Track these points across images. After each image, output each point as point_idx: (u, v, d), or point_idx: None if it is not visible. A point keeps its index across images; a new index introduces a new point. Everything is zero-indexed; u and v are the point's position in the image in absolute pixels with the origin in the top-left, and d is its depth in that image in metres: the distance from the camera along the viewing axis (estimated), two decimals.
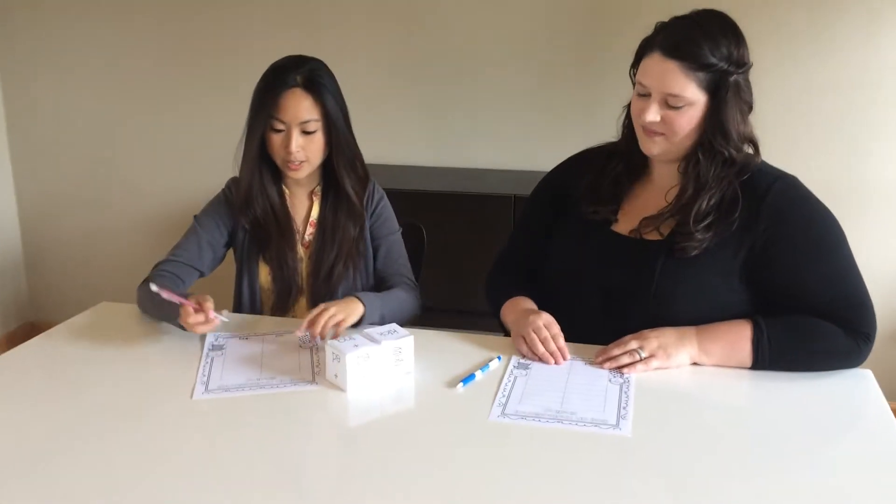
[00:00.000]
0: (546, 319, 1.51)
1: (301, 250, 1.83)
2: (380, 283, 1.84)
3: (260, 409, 1.32)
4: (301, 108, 1.67)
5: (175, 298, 1.50)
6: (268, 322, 1.72)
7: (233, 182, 1.83)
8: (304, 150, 1.70)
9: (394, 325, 1.44)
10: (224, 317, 1.52)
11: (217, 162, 3.05)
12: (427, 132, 2.95)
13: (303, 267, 1.82)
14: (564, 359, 1.47)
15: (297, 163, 1.70)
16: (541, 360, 1.47)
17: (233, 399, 1.34)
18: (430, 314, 1.98)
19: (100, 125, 3.22)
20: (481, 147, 2.91)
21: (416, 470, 1.15)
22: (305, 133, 1.69)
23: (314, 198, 1.83)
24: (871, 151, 2.67)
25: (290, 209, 1.82)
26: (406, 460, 1.17)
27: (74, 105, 3.22)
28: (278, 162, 1.74)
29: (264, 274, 1.82)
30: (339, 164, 1.76)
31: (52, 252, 3.43)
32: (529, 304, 1.62)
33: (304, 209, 1.84)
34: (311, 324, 1.51)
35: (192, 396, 1.35)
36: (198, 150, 3.16)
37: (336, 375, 1.38)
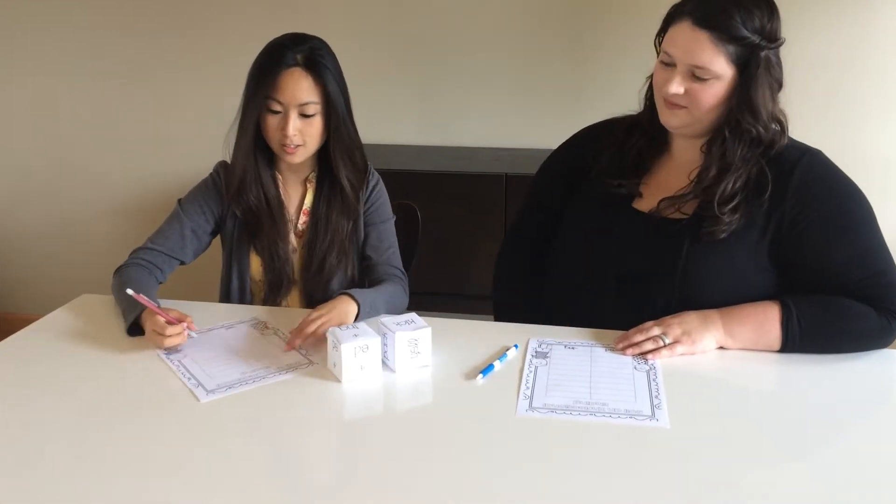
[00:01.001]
0: None
1: (294, 240, 1.73)
2: (367, 272, 1.74)
3: (262, 404, 1.24)
4: (300, 88, 1.57)
5: (151, 307, 1.41)
6: (259, 311, 1.62)
7: (222, 166, 1.72)
8: (302, 133, 1.60)
9: (412, 315, 1.36)
10: (194, 334, 1.42)
11: (190, 147, 2.94)
12: (414, 111, 2.85)
13: (296, 258, 1.73)
14: None
15: (293, 146, 1.60)
16: None
17: (238, 396, 1.26)
18: (422, 297, 1.90)
19: (60, 108, 3.05)
20: (470, 125, 2.83)
21: (447, 470, 1.07)
22: (304, 116, 1.59)
23: (308, 185, 1.73)
24: (864, 127, 2.63)
25: (283, 197, 1.72)
26: (434, 460, 1.10)
27: (32, 87, 3.03)
28: (273, 145, 1.63)
29: (256, 264, 1.72)
30: (335, 153, 1.65)
31: (15, 243, 3.26)
32: None
33: (298, 196, 1.74)
34: (302, 329, 1.41)
35: (199, 400, 1.25)
36: (169, 135, 3.00)
37: (335, 365, 1.31)
